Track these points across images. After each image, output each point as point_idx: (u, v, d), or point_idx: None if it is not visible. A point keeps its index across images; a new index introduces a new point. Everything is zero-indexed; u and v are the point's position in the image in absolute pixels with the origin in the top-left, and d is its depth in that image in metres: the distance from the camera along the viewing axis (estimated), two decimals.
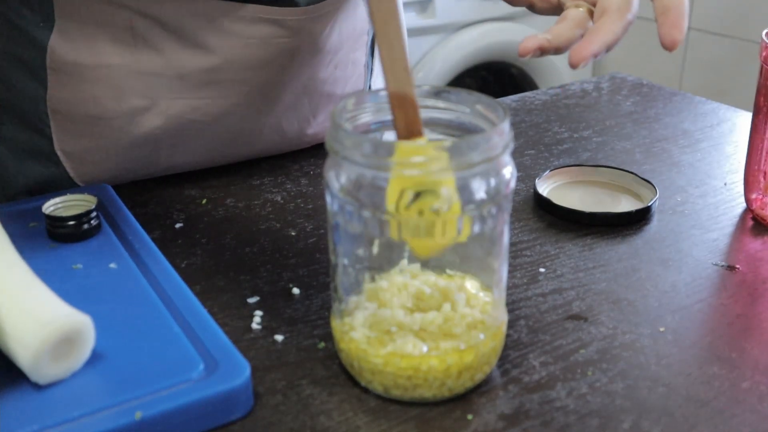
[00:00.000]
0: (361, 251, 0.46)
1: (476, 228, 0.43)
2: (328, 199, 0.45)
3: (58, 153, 0.69)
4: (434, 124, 0.47)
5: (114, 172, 0.71)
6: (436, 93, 0.47)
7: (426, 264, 0.48)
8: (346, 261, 0.46)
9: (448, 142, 0.41)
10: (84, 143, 0.69)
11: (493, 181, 0.43)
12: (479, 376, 0.47)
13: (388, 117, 0.47)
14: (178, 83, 0.68)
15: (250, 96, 0.71)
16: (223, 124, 0.72)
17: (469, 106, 0.47)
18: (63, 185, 0.71)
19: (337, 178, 0.43)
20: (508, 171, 0.44)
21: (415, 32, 1.95)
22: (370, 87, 0.83)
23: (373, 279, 0.48)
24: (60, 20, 0.64)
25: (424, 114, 0.47)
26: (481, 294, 0.48)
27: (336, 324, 0.48)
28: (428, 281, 0.48)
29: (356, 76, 0.80)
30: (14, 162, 0.70)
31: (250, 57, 0.68)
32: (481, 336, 0.46)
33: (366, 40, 0.79)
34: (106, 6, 0.64)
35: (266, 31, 0.67)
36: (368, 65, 0.81)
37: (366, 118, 0.47)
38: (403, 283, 0.48)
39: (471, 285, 0.48)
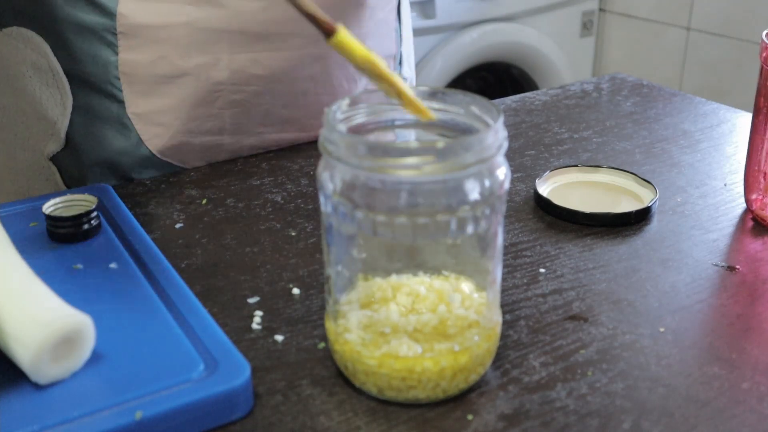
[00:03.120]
0: (354, 252, 0.46)
1: (470, 229, 0.43)
2: (321, 200, 0.45)
3: (130, 116, 0.72)
4: (429, 125, 0.48)
5: (181, 137, 0.74)
6: (431, 94, 0.47)
7: (420, 265, 0.48)
8: (339, 262, 0.46)
9: (441, 142, 0.41)
10: (154, 103, 0.72)
11: (487, 182, 0.43)
12: (473, 378, 0.47)
13: (383, 118, 0.47)
14: (238, 37, 0.71)
15: (303, 49, 0.74)
16: (281, 82, 0.75)
17: (464, 107, 0.47)
18: (135, 155, 0.74)
19: (331, 180, 0.43)
20: (502, 172, 0.44)
21: (415, 32, 1.94)
22: (401, 54, 0.87)
23: (366, 280, 0.48)
24: None
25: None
26: (476, 295, 0.48)
27: (330, 326, 0.48)
28: (423, 282, 0.48)
29: (389, 39, 0.84)
30: (89, 131, 0.73)
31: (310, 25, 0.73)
32: (476, 337, 0.46)
33: (395, 3, 0.83)
34: None
35: None
36: (398, 30, 0.85)
37: (360, 119, 0.47)
38: (397, 283, 0.48)
39: (465, 286, 0.48)
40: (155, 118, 0.73)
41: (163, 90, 0.72)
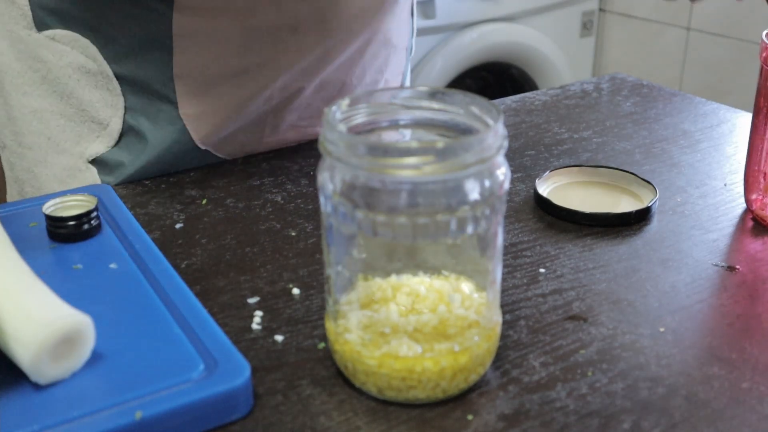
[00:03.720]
0: (354, 252, 0.46)
1: (470, 229, 0.43)
2: (321, 200, 0.45)
3: (182, 117, 0.73)
4: (429, 125, 0.48)
5: (227, 132, 0.76)
6: (431, 94, 0.47)
7: (420, 265, 0.48)
8: (339, 263, 0.46)
9: (441, 142, 0.41)
10: (206, 103, 0.73)
11: (486, 183, 0.43)
12: (473, 378, 0.47)
13: (383, 118, 0.47)
14: (288, 36, 0.73)
15: (348, 44, 0.77)
16: (326, 80, 0.78)
17: (464, 108, 0.47)
18: (187, 147, 0.74)
19: (331, 180, 0.43)
20: (502, 172, 0.44)
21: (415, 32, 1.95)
22: (412, 47, 0.90)
23: (366, 280, 0.48)
24: None
25: (420, 115, 0.47)
26: (476, 295, 0.48)
27: (330, 326, 0.48)
28: (423, 282, 0.48)
29: (407, 32, 0.87)
30: (140, 131, 0.74)
31: (352, 3, 0.75)
32: (476, 337, 0.46)
33: (411, 1, 0.86)
34: None
35: None
36: (410, 23, 0.87)
37: (360, 119, 0.47)
38: (397, 283, 0.48)
39: (465, 286, 0.48)
40: (206, 117, 0.74)
41: (214, 90, 0.73)
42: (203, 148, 0.75)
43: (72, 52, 0.72)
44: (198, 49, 0.71)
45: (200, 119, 0.74)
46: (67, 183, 0.75)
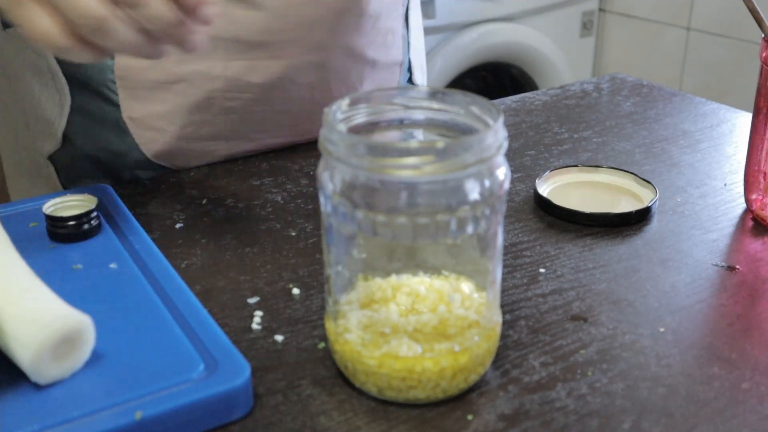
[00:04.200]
0: (354, 252, 0.46)
1: (470, 229, 0.43)
2: (321, 200, 0.45)
3: (126, 120, 0.73)
4: (429, 125, 0.48)
5: (176, 142, 0.74)
6: (431, 94, 0.47)
7: (421, 265, 0.48)
8: (339, 263, 0.46)
9: (441, 142, 0.41)
10: (149, 108, 0.72)
11: (486, 182, 0.43)
12: (473, 378, 0.47)
13: (383, 118, 0.47)
14: (234, 45, 0.71)
15: (301, 57, 0.74)
16: (277, 89, 0.75)
17: (464, 108, 0.47)
18: (130, 156, 0.74)
19: (331, 180, 0.43)
20: (502, 172, 0.44)
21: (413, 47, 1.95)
22: (409, 60, 0.87)
23: (366, 280, 0.48)
24: None
25: (420, 115, 0.47)
26: (476, 295, 0.48)
27: (330, 326, 0.48)
28: (423, 282, 0.48)
29: (395, 47, 0.83)
30: (86, 132, 0.74)
31: (299, 15, 0.71)
32: (476, 337, 0.46)
33: (402, 11, 0.82)
34: None
35: None
36: (405, 37, 0.84)
37: (360, 119, 0.47)
38: (397, 283, 0.48)
39: (465, 286, 0.48)
40: (150, 122, 0.73)
41: (159, 95, 0.72)
42: (148, 155, 0.75)
43: (26, 51, 0.72)
44: None
45: (143, 124, 0.73)
46: (35, 179, 0.77)
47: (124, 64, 0.70)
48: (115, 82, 0.71)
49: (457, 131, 0.47)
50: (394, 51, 0.83)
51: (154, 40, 0.51)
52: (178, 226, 0.66)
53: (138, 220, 0.64)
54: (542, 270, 0.60)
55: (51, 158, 0.75)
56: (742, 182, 0.70)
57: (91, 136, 0.74)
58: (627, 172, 0.73)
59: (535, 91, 0.98)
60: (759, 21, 0.65)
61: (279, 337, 0.52)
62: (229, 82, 0.73)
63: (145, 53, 0.52)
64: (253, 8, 0.70)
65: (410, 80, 0.90)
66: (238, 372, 0.45)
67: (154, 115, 0.73)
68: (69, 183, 0.76)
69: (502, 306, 0.54)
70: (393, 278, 0.48)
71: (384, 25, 0.80)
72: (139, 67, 0.70)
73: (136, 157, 0.74)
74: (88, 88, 0.72)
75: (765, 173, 0.66)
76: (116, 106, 0.72)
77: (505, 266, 0.60)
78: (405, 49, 0.86)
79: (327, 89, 0.78)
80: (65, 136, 0.74)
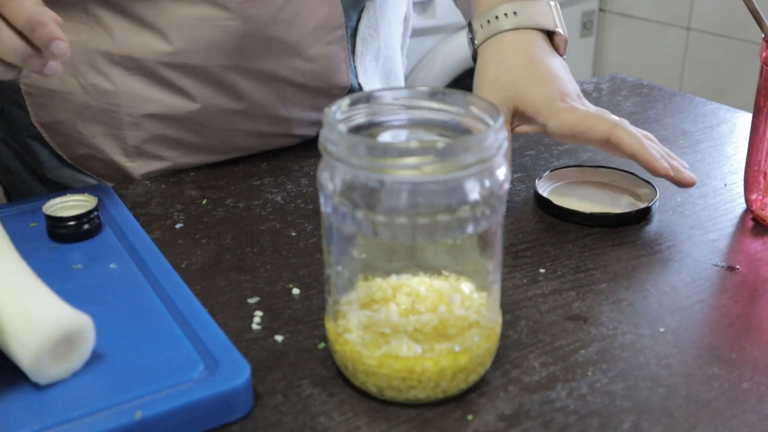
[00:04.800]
0: (354, 253, 0.46)
1: (470, 229, 0.43)
2: (321, 200, 0.45)
3: (36, 126, 0.73)
4: (429, 125, 0.48)
5: (85, 150, 0.74)
6: (431, 94, 0.47)
7: (421, 265, 0.48)
8: (339, 263, 0.46)
9: (441, 142, 0.41)
10: (56, 116, 0.72)
11: (486, 183, 0.43)
12: (473, 378, 0.47)
13: (383, 118, 0.47)
14: (129, 62, 0.70)
15: (205, 77, 0.72)
16: (182, 104, 0.73)
17: (464, 108, 0.47)
18: (53, 160, 0.74)
19: (331, 180, 0.43)
20: (502, 172, 0.44)
21: (415, 33, 1.94)
22: (359, 86, 0.81)
23: (366, 280, 0.48)
24: None
25: (419, 115, 0.47)
26: (476, 295, 0.48)
27: (330, 326, 0.48)
28: (423, 282, 0.48)
29: (336, 72, 0.78)
30: (8, 138, 0.75)
31: (198, 40, 0.70)
32: (476, 338, 0.46)
33: (341, 34, 0.76)
34: None
35: (210, 14, 0.69)
36: (348, 61, 0.78)
37: (360, 119, 0.47)
38: (397, 284, 0.48)
39: (465, 286, 0.48)
40: (60, 128, 0.73)
41: (62, 105, 0.72)
42: (66, 157, 0.75)
43: None
44: None
45: (55, 131, 0.73)
46: None
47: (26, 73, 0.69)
48: (21, 89, 0.72)
49: (457, 131, 0.47)
50: (336, 77, 0.78)
51: (12, 67, 0.56)
52: (178, 226, 0.66)
53: (138, 220, 0.64)
54: (542, 270, 0.60)
55: None
56: (742, 182, 0.70)
57: (12, 141, 0.75)
58: (627, 172, 0.73)
59: None
60: (759, 21, 0.65)
61: (279, 337, 0.52)
62: (130, 98, 0.72)
63: (7, 77, 0.57)
64: (148, 31, 0.69)
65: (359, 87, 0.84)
66: (238, 372, 0.45)
67: (63, 122, 0.73)
68: None
69: (502, 306, 0.54)
70: (393, 278, 0.48)
71: (317, 51, 0.75)
72: (39, 78, 0.67)
73: (57, 161, 0.75)
74: (4, 94, 0.73)
75: (765, 173, 0.66)
76: (26, 111, 0.73)
77: (505, 266, 0.60)
78: (350, 74, 0.80)
79: (244, 110, 0.75)
80: None
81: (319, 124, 0.78)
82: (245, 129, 0.77)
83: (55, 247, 0.59)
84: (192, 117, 0.74)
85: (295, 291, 0.57)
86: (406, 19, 0.91)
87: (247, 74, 0.73)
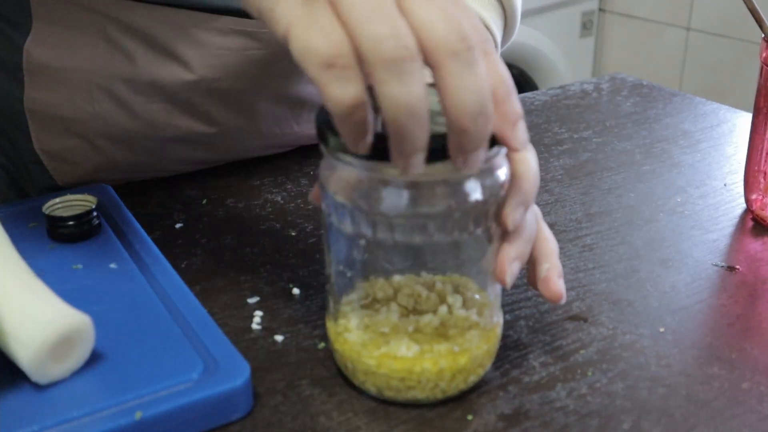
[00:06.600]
0: (355, 252, 0.46)
1: (471, 229, 0.43)
2: (322, 200, 0.45)
3: (38, 152, 0.69)
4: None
5: (91, 176, 0.71)
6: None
7: (421, 265, 0.48)
8: (340, 263, 0.46)
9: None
10: (62, 143, 0.69)
11: (488, 182, 0.43)
12: (473, 379, 0.47)
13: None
14: (151, 89, 0.67)
15: (227, 102, 0.71)
16: (202, 129, 0.72)
17: None
18: (42, 182, 0.72)
19: (332, 179, 0.43)
20: (503, 172, 0.44)
21: None
22: None
23: (367, 280, 0.48)
24: (36, 23, 0.64)
25: None
26: (477, 296, 0.48)
27: (331, 325, 0.48)
28: (424, 282, 0.48)
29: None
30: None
31: (223, 67, 0.68)
32: (476, 339, 0.46)
33: None
34: (80, 10, 0.64)
35: (240, 43, 0.67)
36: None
37: None
38: (398, 284, 0.48)
39: (467, 287, 0.48)
40: (66, 156, 0.70)
41: (70, 131, 0.68)
42: (61, 184, 0.72)
43: None
44: (49, 86, 0.66)
45: (58, 158, 0.70)
46: None
47: (33, 97, 0.66)
48: (24, 114, 0.67)
49: None
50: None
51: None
52: (178, 226, 0.66)
53: (138, 220, 0.64)
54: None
55: None
56: (742, 182, 0.70)
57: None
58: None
59: (535, 91, 0.98)
60: (759, 21, 0.65)
61: (279, 337, 0.52)
62: (146, 124, 0.69)
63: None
64: (171, 60, 0.66)
65: None
66: (238, 372, 0.45)
67: (69, 149, 0.69)
68: None
69: (502, 306, 0.54)
70: (394, 278, 0.48)
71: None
72: (48, 102, 0.66)
73: (47, 183, 0.72)
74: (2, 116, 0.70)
75: (765, 173, 0.66)
76: (28, 136, 0.69)
77: None
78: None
79: (256, 127, 0.75)
80: None
81: None
82: (256, 144, 0.77)
83: (55, 247, 0.59)
84: (207, 139, 0.73)
85: (295, 291, 0.57)
86: None
87: (267, 97, 0.73)
